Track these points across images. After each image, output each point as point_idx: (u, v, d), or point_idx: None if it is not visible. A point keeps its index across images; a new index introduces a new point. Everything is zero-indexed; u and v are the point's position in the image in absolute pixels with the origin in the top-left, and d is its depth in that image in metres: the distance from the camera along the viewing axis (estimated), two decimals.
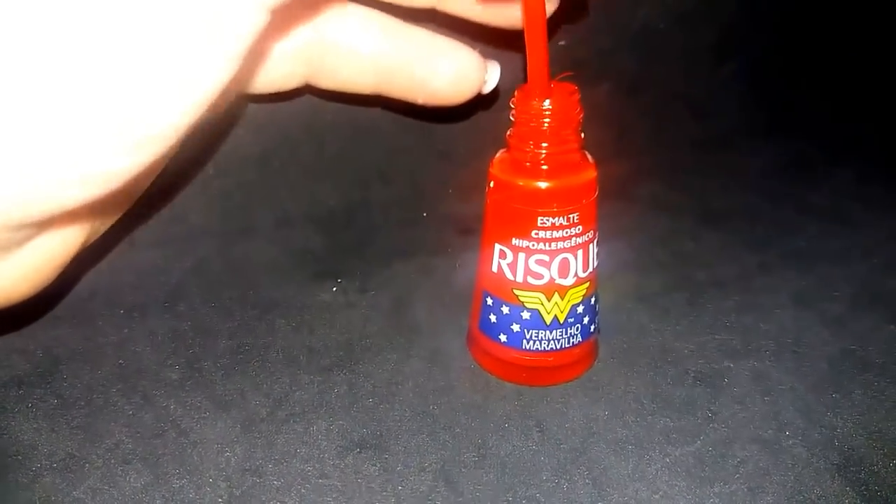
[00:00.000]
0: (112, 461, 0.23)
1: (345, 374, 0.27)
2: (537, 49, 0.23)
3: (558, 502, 0.22)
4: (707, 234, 0.37)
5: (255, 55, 0.19)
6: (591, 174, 0.25)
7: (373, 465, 0.23)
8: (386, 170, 0.37)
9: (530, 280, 0.25)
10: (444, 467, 0.23)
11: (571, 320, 0.26)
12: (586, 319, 0.26)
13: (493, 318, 0.26)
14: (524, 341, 0.26)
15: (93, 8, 0.16)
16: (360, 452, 0.24)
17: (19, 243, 0.21)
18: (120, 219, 0.27)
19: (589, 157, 0.25)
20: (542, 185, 0.24)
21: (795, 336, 0.29)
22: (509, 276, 0.25)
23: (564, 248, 0.25)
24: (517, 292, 0.25)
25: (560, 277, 0.25)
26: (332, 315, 0.31)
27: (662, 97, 0.42)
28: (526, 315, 0.26)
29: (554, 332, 0.26)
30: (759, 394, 0.26)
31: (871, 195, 0.40)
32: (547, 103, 0.23)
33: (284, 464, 0.23)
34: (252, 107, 0.33)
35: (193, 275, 0.33)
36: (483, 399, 0.26)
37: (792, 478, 0.23)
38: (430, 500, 0.22)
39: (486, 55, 0.28)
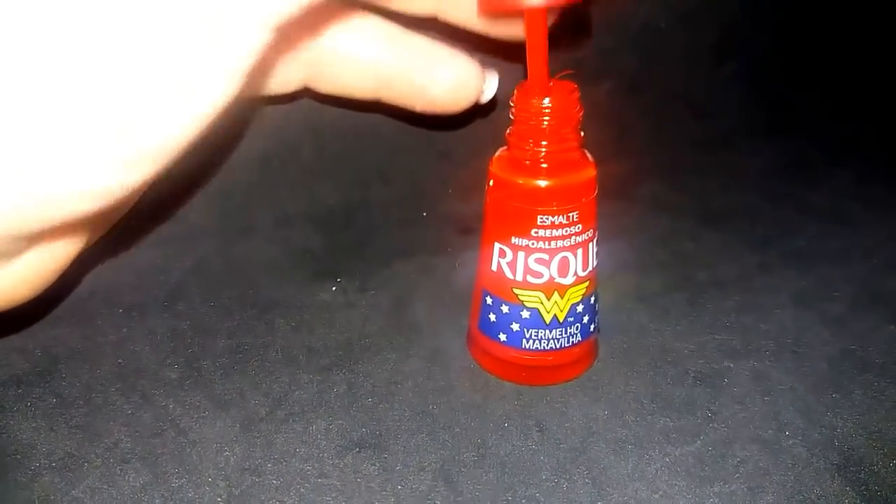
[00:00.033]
0: (111, 460, 0.23)
1: (344, 373, 0.27)
2: (537, 49, 0.23)
3: (558, 502, 0.22)
4: (707, 233, 0.37)
5: (260, 65, 0.19)
6: (591, 173, 0.25)
7: (372, 465, 0.23)
8: (386, 170, 0.37)
9: (530, 279, 0.25)
10: (444, 467, 0.23)
11: (571, 319, 0.26)
12: (586, 319, 0.26)
13: (492, 317, 0.26)
14: (524, 340, 0.26)
15: (92, 24, 0.16)
16: (359, 452, 0.24)
17: (18, 252, 0.21)
18: (127, 222, 0.27)
19: (589, 155, 0.25)
20: (542, 183, 0.24)
21: (795, 336, 0.29)
22: (509, 275, 0.25)
23: (564, 246, 0.24)
24: (517, 291, 0.25)
25: (560, 276, 0.25)
26: (331, 315, 0.31)
27: (663, 96, 0.42)
28: (525, 314, 0.26)
29: (553, 331, 0.26)
30: (759, 394, 0.26)
31: (871, 195, 0.40)
32: (547, 101, 0.23)
33: (284, 463, 0.23)
34: None
35: (193, 274, 0.33)
36: (482, 398, 0.26)
37: (792, 478, 0.23)
38: (429, 499, 0.22)
39: (485, 64, 0.28)
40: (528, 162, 0.24)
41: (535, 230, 0.24)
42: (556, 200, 0.24)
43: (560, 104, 0.24)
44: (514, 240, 0.25)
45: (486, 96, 0.28)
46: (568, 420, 0.25)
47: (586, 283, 0.26)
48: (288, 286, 0.33)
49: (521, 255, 0.25)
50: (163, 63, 0.17)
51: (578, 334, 0.26)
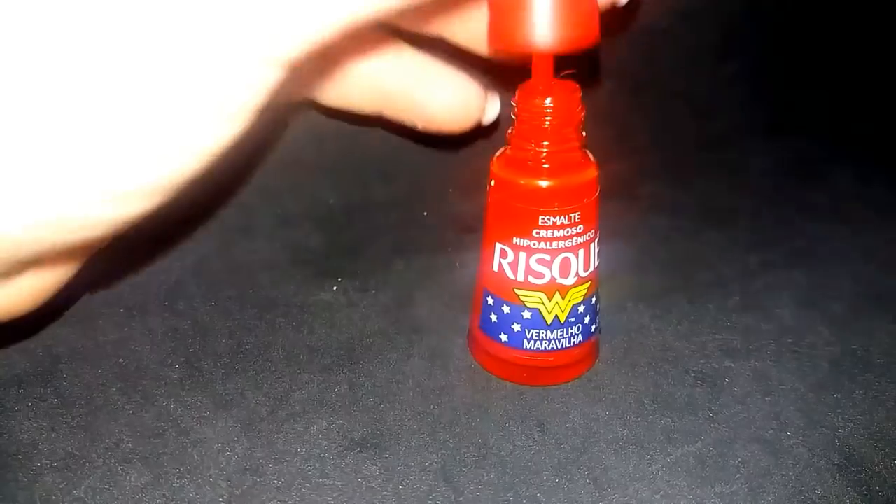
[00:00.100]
0: (112, 460, 0.23)
1: (345, 373, 0.27)
2: (543, 64, 0.23)
3: (559, 502, 0.22)
4: (708, 233, 0.37)
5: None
6: (593, 173, 0.25)
7: (373, 465, 0.23)
8: (386, 169, 0.37)
9: (531, 279, 0.25)
10: (445, 467, 0.23)
11: (572, 320, 0.26)
12: (587, 319, 0.26)
13: (493, 317, 0.26)
14: (525, 341, 0.26)
15: (96, 60, 0.16)
16: (360, 452, 0.24)
17: (18, 273, 0.21)
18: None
19: (590, 155, 0.25)
20: (544, 183, 0.24)
21: (796, 336, 0.29)
22: (510, 275, 0.25)
23: (566, 247, 0.24)
24: (518, 292, 0.25)
25: (561, 277, 0.25)
26: (332, 314, 0.31)
27: (664, 96, 0.42)
28: (527, 315, 0.26)
29: (555, 331, 0.26)
30: (760, 394, 0.26)
31: (871, 195, 0.40)
32: (548, 101, 0.23)
33: (285, 463, 0.23)
34: None
35: (193, 274, 0.33)
36: (484, 399, 0.26)
37: (793, 478, 0.23)
38: (430, 499, 0.22)
39: (489, 86, 0.28)
40: (529, 162, 0.24)
41: (537, 230, 0.24)
42: (557, 201, 0.24)
43: (562, 104, 0.24)
44: (516, 240, 0.25)
45: (489, 118, 0.28)
46: (569, 420, 0.25)
47: (588, 284, 0.26)
48: (288, 286, 0.32)
49: (522, 255, 0.25)
50: (164, 101, 0.16)
51: (580, 335, 0.26)
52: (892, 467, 0.23)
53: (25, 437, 0.24)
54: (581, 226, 0.24)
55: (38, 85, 0.16)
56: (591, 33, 0.21)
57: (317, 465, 0.23)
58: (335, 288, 0.33)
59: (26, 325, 0.29)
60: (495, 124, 0.29)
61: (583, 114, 0.24)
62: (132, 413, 0.25)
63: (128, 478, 0.23)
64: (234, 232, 0.35)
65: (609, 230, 0.27)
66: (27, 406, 0.25)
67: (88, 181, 0.17)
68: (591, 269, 0.26)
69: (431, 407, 0.26)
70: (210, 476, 0.23)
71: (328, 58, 0.21)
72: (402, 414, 0.25)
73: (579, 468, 0.23)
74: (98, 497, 0.22)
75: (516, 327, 0.26)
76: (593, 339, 0.27)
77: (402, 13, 0.18)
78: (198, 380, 0.27)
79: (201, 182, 0.19)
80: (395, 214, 0.37)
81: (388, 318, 0.31)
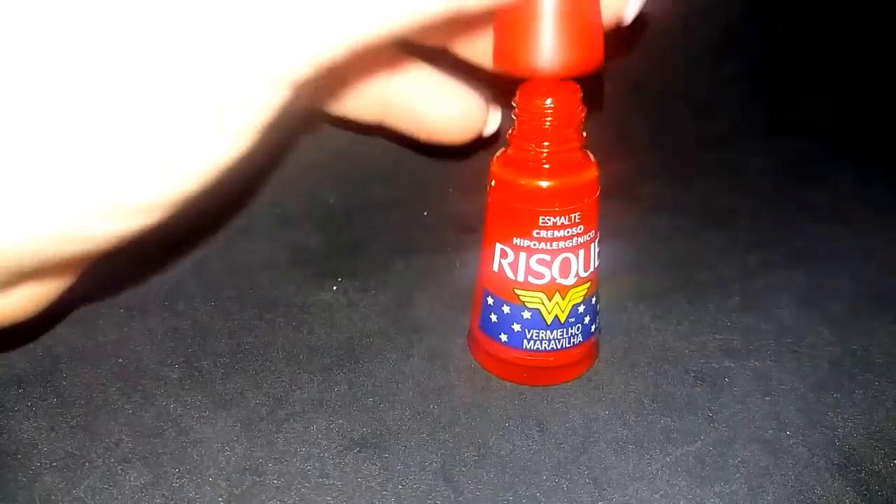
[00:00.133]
0: (112, 460, 0.23)
1: (345, 373, 0.27)
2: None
3: (559, 502, 0.22)
4: (708, 233, 0.37)
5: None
6: (593, 173, 0.25)
7: (373, 465, 0.23)
8: (386, 169, 0.37)
9: (531, 279, 0.25)
10: (445, 466, 0.23)
11: (572, 320, 0.26)
12: (587, 319, 0.26)
13: (493, 317, 0.26)
14: (525, 341, 0.26)
15: (100, 79, 0.16)
16: (360, 451, 0.24)
17: (16, 284, 0.21)
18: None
19: (591, 156, 0.25)
20: (544, 184, 0.24)
21: (796, 336, 0.29)
22: (510, 275, 0.25)
23: (566, 247, 0.24)
24: (518, 292, 0.25)
25: (561, 277, 0.25)
26: (332, 314, 0.31)
27: (664, 96, 0.42)
28: (527, 315, 0.26)
29: (555, 331, 0.26)
30: (760, 393, 0.26)
31: (871, 195, 0.40)
32: (549, 102, 0.23)
33: (284, 463, 0.23)
34: None
35: (193, 274, 0.33)
36: (483, 398, 0.26)
37: (793, 478, 0.23)
38: (430, 499, 0.22)
39: (490, 98, 0.28)
40: (530, 162, 0.24)
41: (537, 231, 0.24)
42: (558, 201, 0.24)
43: (562, 104, 0.24)
44: (516, 240, 0.25)
45: (490, 130, 0.28)
46: (569, 420, 0.25)
47: (588, 284, 0.26)
48: (288, 286, 0.32)
49: (522, 255, 0.25)
50: (169, 119, 0.16)
51: (579, 335, 0.26)
52: (891, 467, 0.23)
53: (25, 436, 0.24)
54: (581, 226, 0.24)
55: (42, 100, 0.16)
56: (595, 57, 0.22)
57: (316, 464, 0.23)
58: (335, 288, 0.33)
59: (26, 328, 0.29)
60: (496, 135, 0.29)
61: (583, 114, 0.24)
62: (132, 413, 0.25)
63: (127, 477, 0.23)
64: (234, 232, 0.35)
65: (609, 230, 0.27)
66: (27, 406, 0.25)
67: (90, 196, 0.17)
68: (591, 269, 0.26)
69: (431, 407, 0.26)
70: (210, 476, 0.23)
71: (332, 73, 0.21)
72: (402, 414, 0.25)
73: (579, 468, 0.23)
74: (98, 497, 0.22)
75: (516, 327, 0.26)
76: (593, 339, 0.27)
77: (409, 33, 0.18)
78: (197, 379, 0.27)
79: (205, 198, 0.19)
80: (395, 214, 0.37)
81: (388, 318, 0.31)
